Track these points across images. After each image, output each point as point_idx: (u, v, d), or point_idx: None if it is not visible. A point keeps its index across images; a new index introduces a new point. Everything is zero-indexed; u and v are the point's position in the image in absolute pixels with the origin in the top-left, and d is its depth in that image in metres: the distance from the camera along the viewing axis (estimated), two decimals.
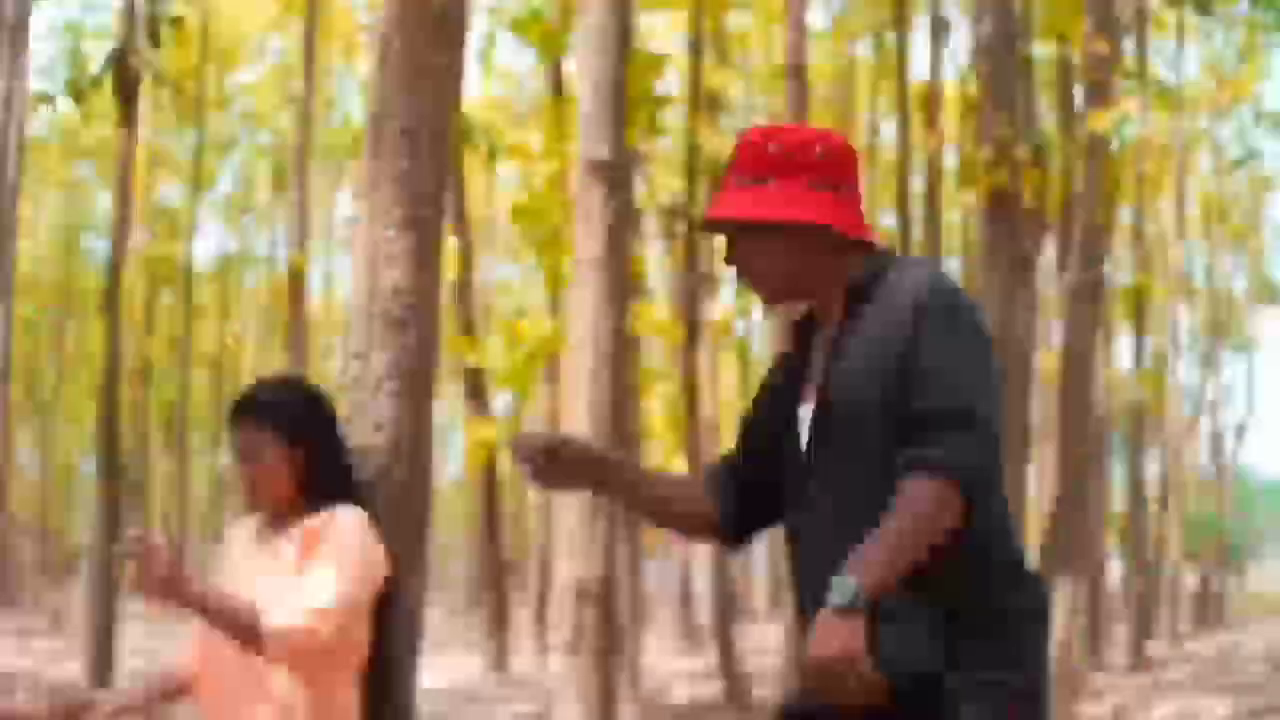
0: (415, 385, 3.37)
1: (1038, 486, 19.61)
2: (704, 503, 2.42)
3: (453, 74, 3.47)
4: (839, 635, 2.03)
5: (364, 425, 3.31)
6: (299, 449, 2.90)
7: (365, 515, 2.96)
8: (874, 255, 2.33)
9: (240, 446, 2.89)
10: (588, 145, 7.43)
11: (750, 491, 2.42)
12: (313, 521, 2.88)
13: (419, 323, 3.35)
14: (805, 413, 2.28)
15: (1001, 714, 2.12)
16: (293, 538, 2.92)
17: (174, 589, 2.71)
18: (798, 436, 2.29)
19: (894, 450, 2.15)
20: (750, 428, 2.41)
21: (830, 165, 2.31)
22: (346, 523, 2.88)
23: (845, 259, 2.32)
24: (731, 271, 18.93)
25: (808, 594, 2.24)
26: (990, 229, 9.06)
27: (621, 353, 7.64)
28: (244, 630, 2.81)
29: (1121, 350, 22.71)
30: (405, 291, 3.33)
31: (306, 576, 2.83)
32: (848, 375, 2.20)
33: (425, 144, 3.38)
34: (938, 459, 2.08)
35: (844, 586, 2.03)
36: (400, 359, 3.32)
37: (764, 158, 2.31)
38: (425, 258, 3.36)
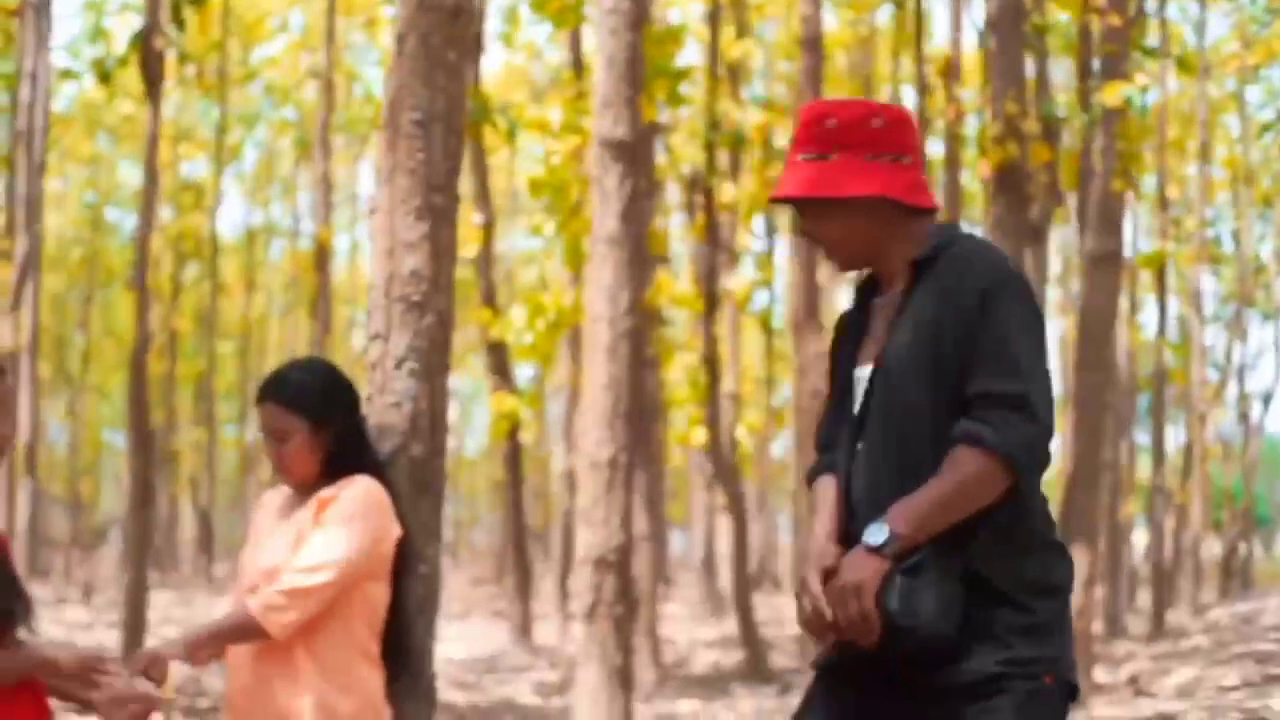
0: (432, 364, 3.56)
1: (1061, 454, 19.58)
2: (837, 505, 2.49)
3: (464, 69, 3.64)
4: (861, 568, 2.22)
5: (383, 403, 3.50)
6: (324, 431, 3.07)
7: (377, 484, 3.13)
8: (937, 222, 2.48)
9: (270, 427, 3.08)
10: (604, 125, 7.57)
11: None
12: (328, 490, 3.03)
13: (435, 306, 3.55)
14: (863, 372, 2.43)
15: (1028, 695, 2.20)
16: (309, 506, 3.10)
17: (160, 668, 2.83)
18: (854, 394, 2.44)
19: (943, 417, 2.30)
20: (830, 401, 2.56)
21: (888, 136, 2.42)
22: (354, 490, 3.05)
23: (908, 225, 2.44)
24: (753, 243, 18.93)
25: (861, 518, 2.38)
26: (999, 201, 9.15)
27: (643, 329, 7.74)
28: (243, 630, 2.99)
29: (1148, 319, 22.67)
30: (422, 277, 3.51)
31: (309, 542, 3.00)
32: (908, 343, 2.34)
33: (439, 137, 3.53)
34: (989, 436, 2.25)
35: (879, 530, 2.24)
36: (417, 340, 3.51)
37: (824, 133, 2.43)
38: (440, 244, 3.55)
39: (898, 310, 2.42)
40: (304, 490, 3.18)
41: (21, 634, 2.76)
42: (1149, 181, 18.59)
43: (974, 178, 9.91)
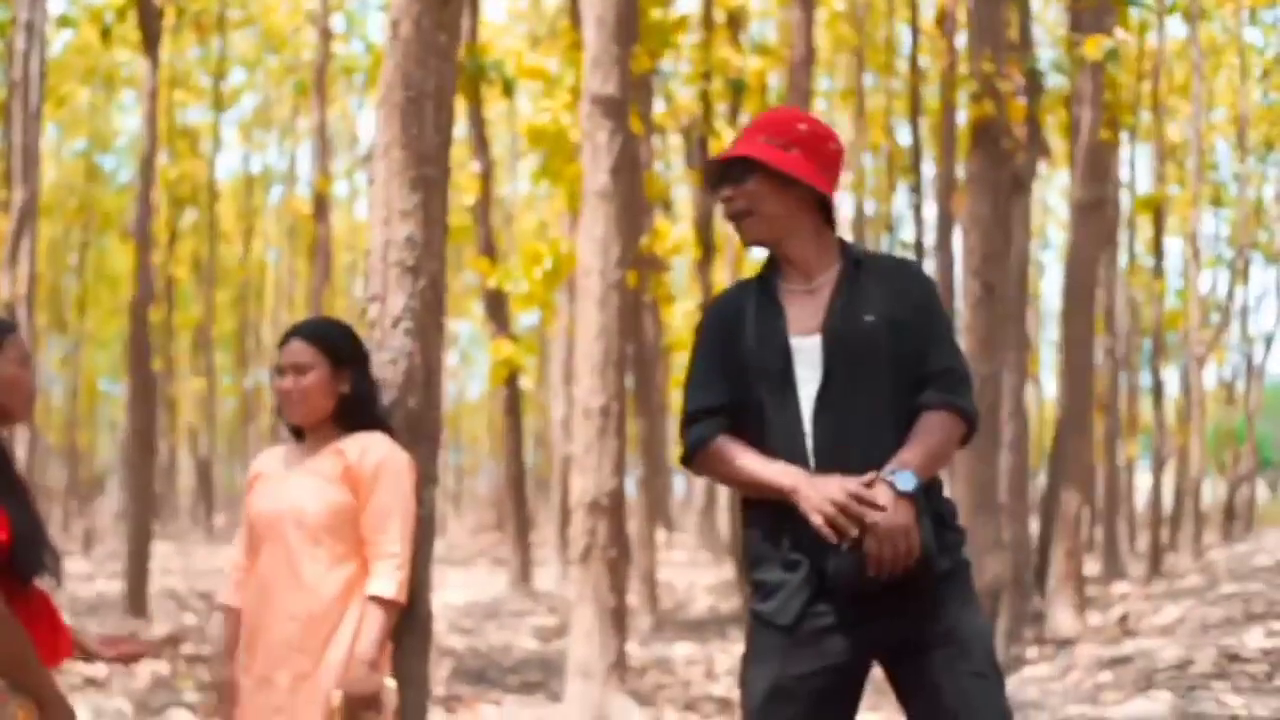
0: (425, 323, 3.86)
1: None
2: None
3: (454, 49, 3.95)
4: (906, 511, 2.67)
5: (381, 359, 3.80)
6: (342, 375, 3.32)
7: (398, 447, 3.37)
8: (838, 236, 2.95)
9: (291, 360, 3.29)
10: (594, 82, 7.70)
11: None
12: (349, 446, 3.19)
13: (428, 269, 3.86)
14: (807, 342, 2.82)
15: (970, 582, 2.86)
16: (327, 455, 3.30)
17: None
18: (789, 360, 2.82)
19: (901, 385, 2.81)
20: (722, 372, 2.90)
21: (834, 160, 2.90)
22: (395, 462, 3.30)
23: (821, 230, 2.91)
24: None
25: (825, 474, 2.76)
26: (976, 156, 9.24)
27: (642, 275, 7.78)
28: (392, 617, 3.25)
29: (1147, 263, 22.67)
30: (415, 243, 3.83)
31: (377, 524, 3.24)
32: (867, 324, 2.80)
33: (430, 113, 3.85)
34: (964, 404, 2.83)
35: (907, 477, 2.69)
36: (412, 301, 3.81)
37: (794, 132, 2.87)
38: (432, 213, 3.86)
39: (838, 292, 2.86)
40: (312, 438, 3.34)
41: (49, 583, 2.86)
42: (1148, 126, 18.53)
43: (967, 124, 9.93)
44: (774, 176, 2.86)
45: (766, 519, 2.84)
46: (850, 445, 2.78)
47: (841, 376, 2.80)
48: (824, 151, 2.88)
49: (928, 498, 2.77)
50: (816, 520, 2.68)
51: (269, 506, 3.32)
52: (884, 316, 2.82)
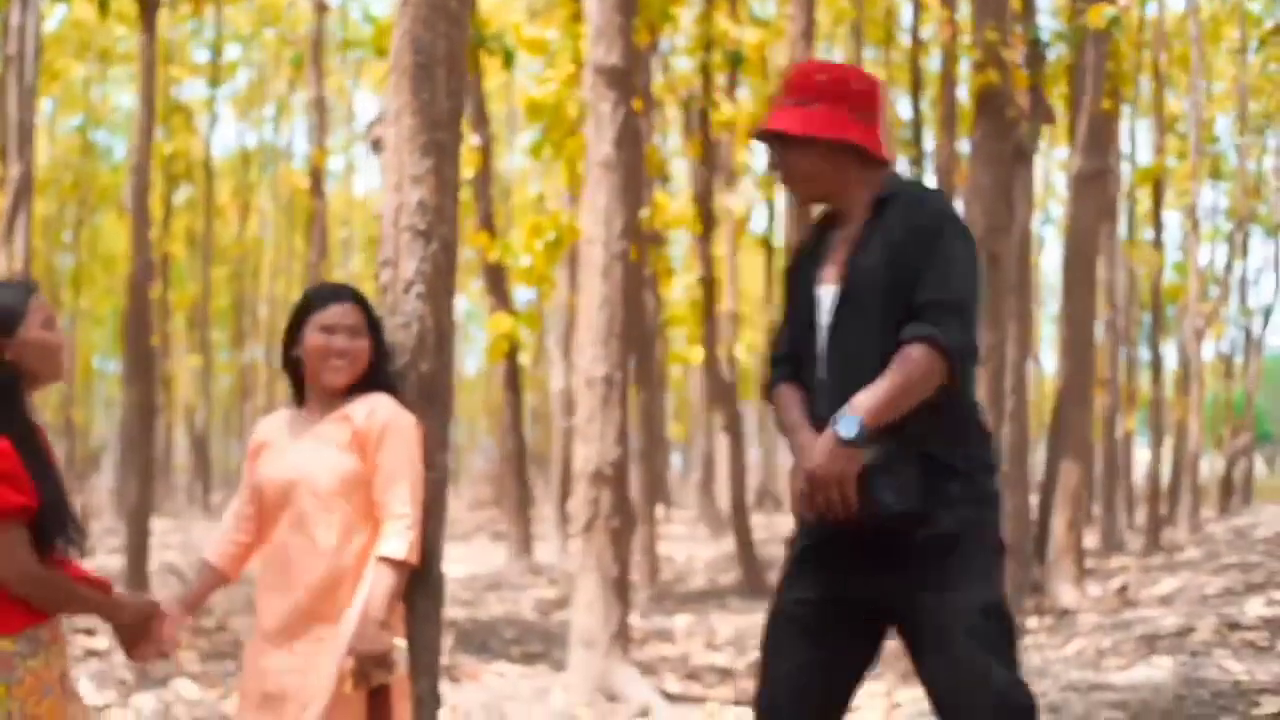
0: (437, 288, 3.89)
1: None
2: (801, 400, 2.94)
3: (465, 14, 3.95)
4: (840, 459, 2.61)
5: (394, 324, 3.83)
6: (375, 339, 3.41)
7: (402, 408, 3.39)
8: (890, 173, 2.90)
9: (346, 321, 3.34)
10: (597, 52, 7.71)
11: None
12: (355, 410, 3.23)
13: (439, 234, 3.90)
14: (827, 291, 2.85)
15: (976, 543, 2.70)
16: (334, 420, 3.32)
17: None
18: (817, 311, 2.86)
19: (898, 314, 2.73)
20: (793, 321, 2.97)
21: (863, 97, 2.85)
22: (401, 422, 3.32)
23: (868, 172, 2.87)
24: (753, 162, 18.87)
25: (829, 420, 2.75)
26: (980, 125, 9.22)
27: (642, 249, 7.78)
28: (402, 579, 3.23)
29: (1146, 236, 22.62)
30: (427, 208, 3.86)
31: (385, 484, 3.25)
32: (871, 267, 2.77)
33: (442, 79, 3.88)
34: (937, 334, 2.68)
35: (850, 422, 2.63)
36: (424, 265, 3.85)
37: (813, 85, 2.86)
38: (444, 178, 3.90)
39: (857, 239, 2.86)
40: (318, 402, 3.37)
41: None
42: (1148, 98, 18.48)
43: (970, 94, 9.90)
44: (805, 140, 2.88)
45: None
46: (853, 391, 2.76)
47: (844, 324, 2.83)
48: (849, 95, 2.86)
49: (921, 441, 2.71)
50: (791, 491, 2.76)
51: (279, 475, 3.32)
52: (886, 255, 2.80)
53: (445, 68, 3.86)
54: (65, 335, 3.09)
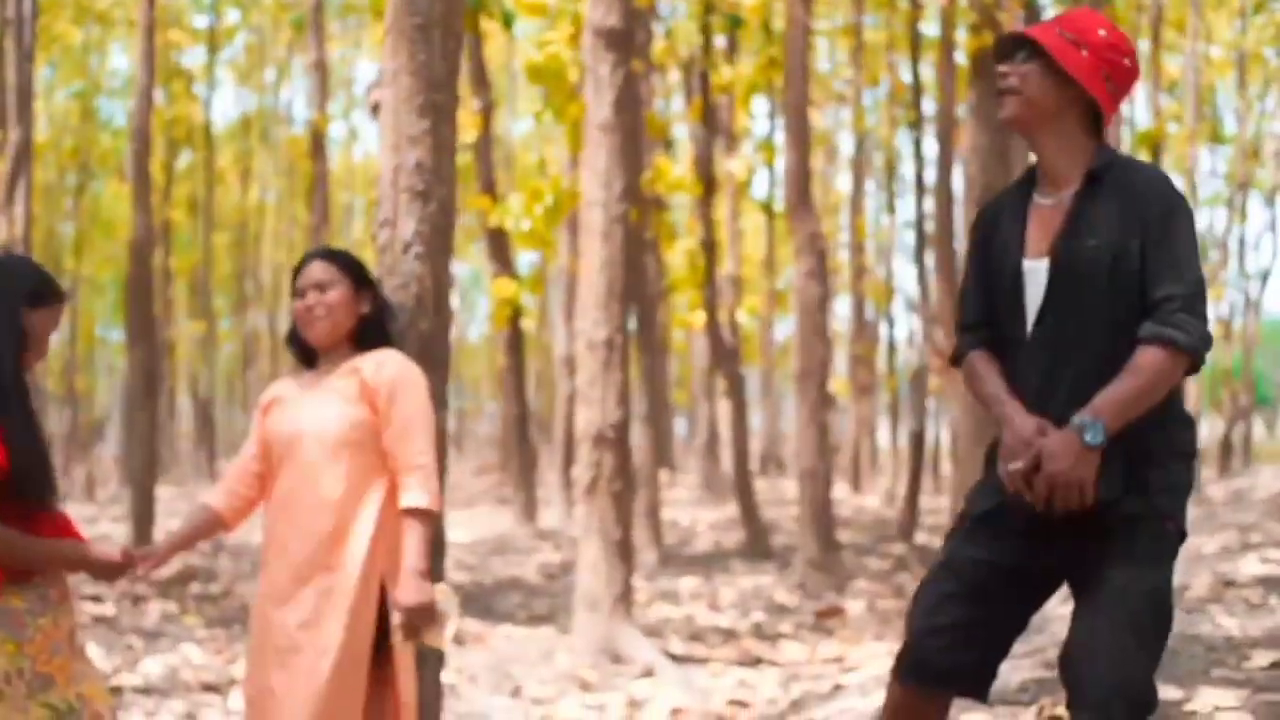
0: (435, 248, 3.92)
1: None
2: (998, 368, 2.88)
3: None
4: (1085, 465, 2.61)
5: (393, 284, 3.87)
6: (361, 296, 3.39)
7: (411, 361, 3.42)
8: (1105, 146, 2.86)
9: (312, 279, 3.35)
10: (596, 14, 7.69)
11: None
12: (365, 363, 3.24)
13: (437, 195, 3.92)
14: (1037, 265, 2.78)
15: (1157, 533, 2.69)
16: (343, 374, 3.34)
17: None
18: (1021, 283, 2.79)
19: (1120, 316, 2.70)
20: (978, 285, 2.92)
21: (1125, 74, 2.84)
22: (411, 376, 3.34)
23: (1086, 140, 2.83)
24: (755, 125, 18.74)
25: (1033, 405, 2.74)
26: (976, 87, 9.21)
27: (643, 213, 7.79)
28: (431, 527, 3.28)
29: None
30: (425, 168, 3.88)
31: (401, 437, 3.28)
32: (1092, 247, 2.71)
33: (438, 40, 3.90)
34: (1181, 338, 2.65)
35: (1097, 430, 2.62)
36: (422, 226, 3.88)
37: (1091, 34, 2.82)
38: (441, 138, 3.92)
39: (1070, 212, 2.78)
40: (328, 362, 3.39)
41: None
42: (1146, 61, 18.39)
43: (966, 57, 9.89)
44: (1052, 66, 2.81)
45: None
46: (1059, 381, 2.74)
47: (1060, 304, 2.75)
48: (1115, 63, 2.83)
49: (1132, 436, 2.70)
50: (1002, 468, 2.73)
51: (288, 427, 3.35)
52: (1110, 239, 2.73)
53: (442, 29, 3.88)
54: (69, 303, 3.14)
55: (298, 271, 3.42)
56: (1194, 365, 2.72)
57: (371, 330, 3.41)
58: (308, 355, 3.48)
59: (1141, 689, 2.66)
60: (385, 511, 3.30)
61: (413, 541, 3.23)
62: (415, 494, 3.25)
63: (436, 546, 3.84)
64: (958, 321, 2.99)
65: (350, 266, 3.40)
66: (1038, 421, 2.71)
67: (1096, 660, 2.65)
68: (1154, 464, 2.71)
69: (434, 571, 3.77)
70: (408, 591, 3.19)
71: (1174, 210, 2.73)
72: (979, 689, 2.90)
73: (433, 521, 3.30)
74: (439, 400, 3.83)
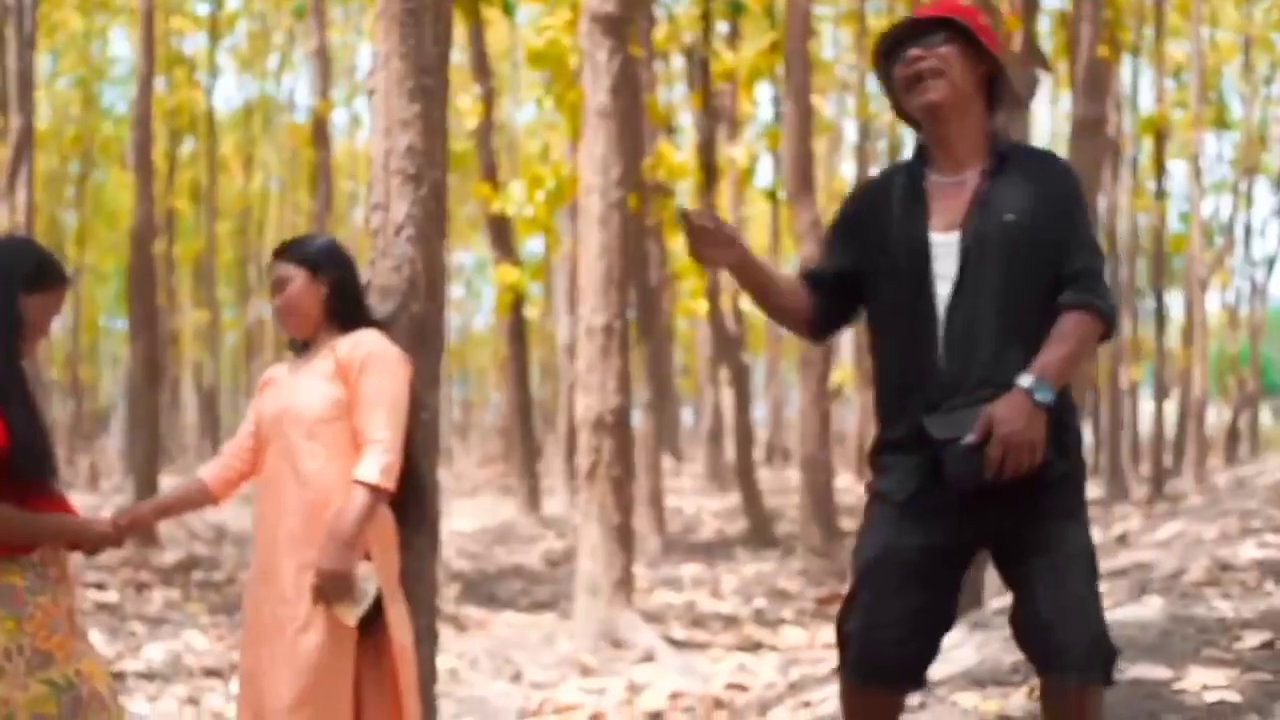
0: (428, 231, 3.91)
1: None
2: (802, 300, 2.99)
3: None
4: (1037, 423, 2.67)
5: (385, 266, 3.87)
6: (320, 279, 3.40)
7: (385, 338, 3.43)
8: (996, 128, 2.92)
9: (276, 275, 3.42)
10: (594, 0, 7.65)
11: (837, 299, 2.99)
12: (341, 343, 3.36)
13: (429, 178, 3.92)
14: (947, 239, 2.81)
15: (1081, 491, 2.83)
16: (323, 355, 3.39)
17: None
18: (928, 256, 2.82)
19: (1034, 280, 2.78)
20: (844, 248, 2.97)
21: (995, 42, 2.89)
22: (383, 353, 3.36)
23: (984, 114, 2.90)
24: (758, 111, 18.72)
25: (954, 371, 2.79)
26: None
27: (645, 199, 7.78)
28: (376, 502, 3.25)
29: (1149, 186, 22.53)
30: (416, 151, 3.89)
31: (365, 411, 3.29)
32: (1007, 224, 2.78)
33: (429, 24, 3.91)
34: (1101, 304, 2.78)
35: (1044, 388, 2.68)
36: (414, 209, 3.88)
37: (978, 16, 2.90)
38: (432, 122, 3.93)
39: (981, 189, 2.84)
40: (316, 340, 3.45)
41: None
42: (1149, 46, 18.36)
43: None
44: (966, 47, 2.86)
45: (890, 406, 2.92)
46: (980, 344, 2.79)
47: (977, 275, 2.80)
48: (990, 31, 2.89)
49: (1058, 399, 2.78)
50: (996, 453, 2.69)
51: (274, 408, 3.41)
52: (1024, 215, 2.81)
53: (432, 13, 3.89)
54: (72, 292, 3.13)
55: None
56: (1109, 332, 2.83)
57: (342, 308, 3.43)
58: (301, 342, 3.52)
59: (1109, 643, 2.77)
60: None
61: (348, 510, 3.22)
62: (366, 466, 3.25)
63: (432, 538, 3.84)
64: (803, 270, 3.07)
65: (303, 256, 3.42)
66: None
67: (1070, 621, 2.71)
68: (1068, 428, 2.82)
69: (426, 550, 3.78)
70: (327, 557, 3.18)
71: (1080, 192, 2.86)
72: (923, 677, 2.95)
73: (376, 498, 3.26)
74: (432, 380, 3.84)
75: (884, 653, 2.86)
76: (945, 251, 2.82)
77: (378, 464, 3.25)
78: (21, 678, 2.81)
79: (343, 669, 3.24)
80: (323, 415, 3.30)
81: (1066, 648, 2.72)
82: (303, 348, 3.50)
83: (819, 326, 3.03)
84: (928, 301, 2.82)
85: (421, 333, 3.84)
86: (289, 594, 3.25)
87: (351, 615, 3.22)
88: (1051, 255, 2.80)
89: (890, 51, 2.93)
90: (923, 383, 2.82)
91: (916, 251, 2.83)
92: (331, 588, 3.18)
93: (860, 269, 2.93)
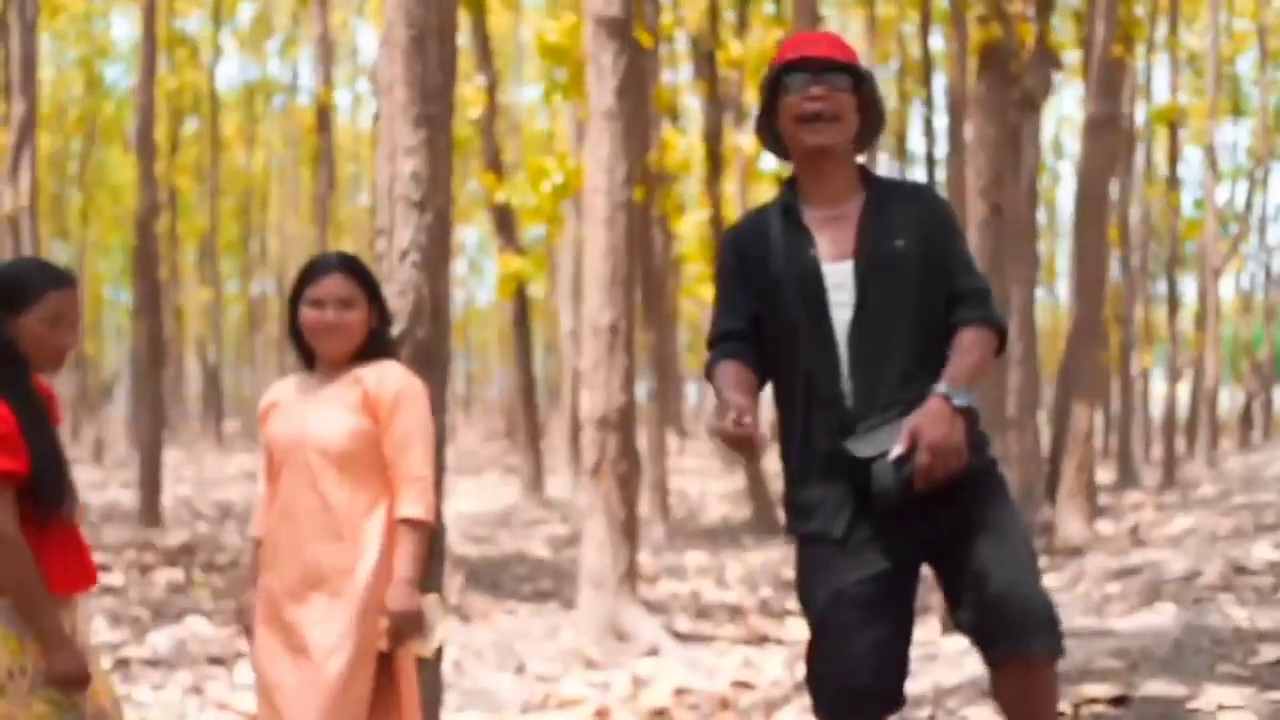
0: (432, 257, 3.91)
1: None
2: (750, 373, 3.00)
3: None
4: (959, 427, 2.75)
5: (390, 291, 3.87)
6: (373, 310, 3.38)
7: (412, 374, 3.41)
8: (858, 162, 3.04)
9: (336, 294, 3.32)
10: (597, 3, 7.64)
11: (760, 348, 3.02)
12: (367, 374, 3.33)
13: (434, 204, 3.91)
14: (840, 268, 2.89)
15: (1000, 477, 2.94)
16: (347, 383, 3.34)
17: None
18: (821, 285, 2.89)
19: (928, 301, 2.90)
20: (744, 292, 3.00)
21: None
22: (412, 390, 3.36)
23: (854, 156, 3.01)
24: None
25: (862, 394, 2.87)
26: (983, 79, 9.12)
27: (650, 187, 7.73)
28: (427, 542, 3.32)
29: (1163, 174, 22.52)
30: (421, 178, 3.87)
31: (402, 449, 3.32)
32: (899, 249, 2.88)
33: (433, 51, 3.91)
34: (996, 320, 2.93)
35: (963, 394, 2.79)
36: (419, 235, 3.88)
37: (846, 50, 2.97)
38: (437, 148, 3.92)
39: (864, 219, 2.93)
40: (328, 367, 3.39)
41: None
42: (1163, 35, 18.24)
43: (971, 49, 9.77)
44: (856, 92, 2.96)
45: (798, 443, 2.95)
46: (884, 366, 2.87)
47: (875, 300, 2.89)
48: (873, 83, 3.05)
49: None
50: (924, 460, 2.74)
51: (288, 432, 3.36)
52: (913, 240, 2.92)
53: (437, 39, 3.90)
54: (76, 266, 3.04)
55: (313, 275, 3.36)
56: (1003, 345, 2.99)
57: (376, 341, 3.41)
58: (309, 356, 3.45)
59: (1055, 612, 2.82)
60: (392, 519, 3.34)
61: (405, 550, 3.28)
62: (411, 505, 3.30)
63: (436, 532, 3.83)
64: (709, 339, 3.08)
65: (369, 282, 3.40)
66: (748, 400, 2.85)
67: (1025, 588, 2.77)
68: (972, 427, 2.89)
69: (434, 564, 3.76)
70: (397, 598, 3.25)
71: (953, 215, 3.03)
72: (901, 697, 2.98)
73: (427, 533, 3.33)
74: (438, 405, 3.87)
75: (858, 688, 2.90)
76: (840, 280, 2.90)
77: (424, 502, 3.31)
78: (25, 696, 2.79)
79: (364, 696, 3.30)
80: (347, 447, 3.30)
81: (1028, 614, 2.75)
82: (309, 364, 3.45)
83: (765, 379, 3.06)
84: (827, 329, 2.89)
85: (427, 357, 3.86)
86: (320, 619, 3.28)
87: (427, 648, 3.32)
88: (939, 278, 2.93)
89: (782, 74, 2.98)
90: (829, 410, 2.88)
91: (811, 281, 2.91)
92: (407, 627, 3.25)
93: (758, 310, 2.99)
